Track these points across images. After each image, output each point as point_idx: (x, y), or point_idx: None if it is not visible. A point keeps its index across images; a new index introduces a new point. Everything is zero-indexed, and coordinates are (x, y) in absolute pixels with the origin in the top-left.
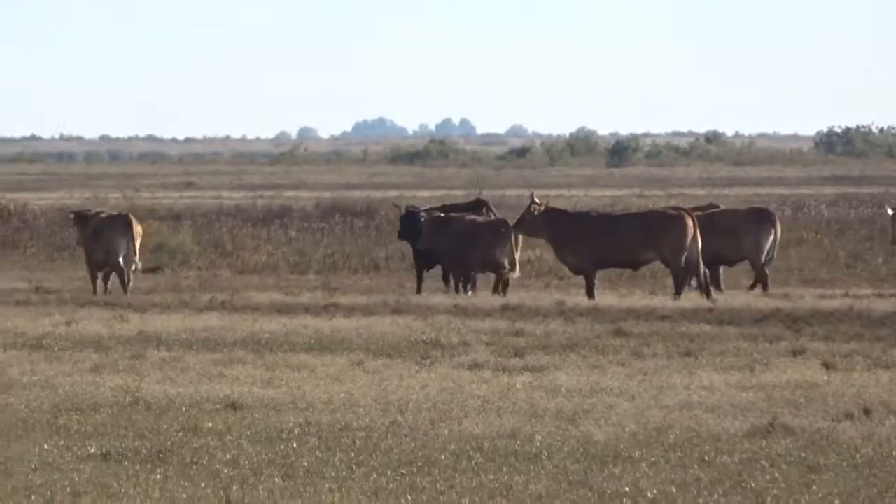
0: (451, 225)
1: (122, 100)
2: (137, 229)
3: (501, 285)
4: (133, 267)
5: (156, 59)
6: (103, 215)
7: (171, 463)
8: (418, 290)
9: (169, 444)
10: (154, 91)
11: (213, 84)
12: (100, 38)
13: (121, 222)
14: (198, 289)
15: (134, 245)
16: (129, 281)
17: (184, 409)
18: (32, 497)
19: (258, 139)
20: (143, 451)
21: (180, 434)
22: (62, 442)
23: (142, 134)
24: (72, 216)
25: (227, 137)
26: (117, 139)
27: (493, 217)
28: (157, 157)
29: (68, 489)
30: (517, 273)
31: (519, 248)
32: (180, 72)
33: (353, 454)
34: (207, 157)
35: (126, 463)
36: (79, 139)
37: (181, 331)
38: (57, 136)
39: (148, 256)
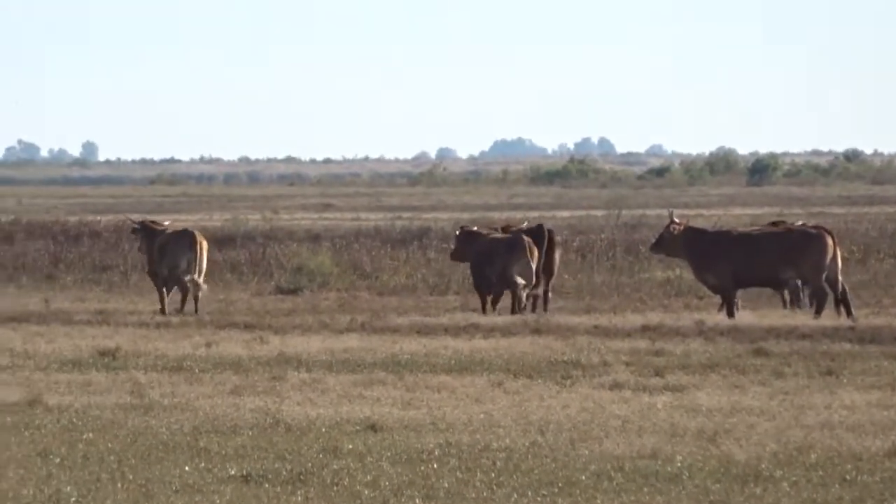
0: (476, 242)
1: (261, 122)
2: (203, 245)
3: (518, 302)
4: (198, 285)
5: (294, 81)
6: (169, 231)
7: (312, 485)
8: (483, 310)
9: (309, 465)
10: (292, 113)
11: (351, 105)
12: (239, 58)
13: (186, 239)
14: (337, 310)
15: (199, 262)
16: (195, 297)
17: (324, 430)
18: None
19: (396, 160)
20: (284, 472)
21: (320, 456)
22: (203, 464)
23: (280, 156)
24: (136, 226)
25: (366, 158)
26: (256, 161)
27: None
28: (296, 179)
29: None
30: (538, 289)
31: (535, 261)
32: (318, 93)
33: (493, 475)
34: (346, 178)
35: (266, 485)
36: (218, 161)
37: (321, 352)
38: (196, 157)
39: (288, 278)
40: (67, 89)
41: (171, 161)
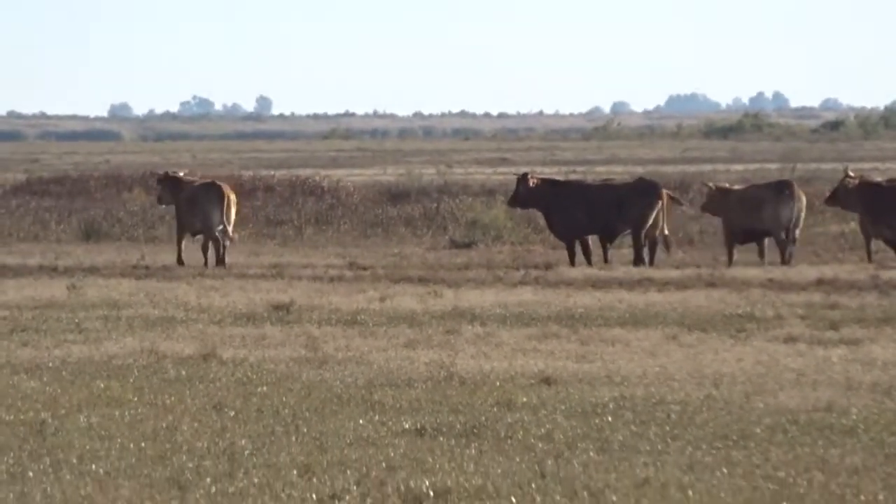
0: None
1: (435, 77)
2: (231, 198)
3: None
4: (226, 237)
5: (469, 36)
6: (197, 183)
7: (486, 438)
8: (729, 263)
9: (483, 419)
10: (467, 68)
11: (525, 59)
12: (413, 13)
13: (215, 191)
14: (511, 264)
15: (228, 215)
16: (222, 249)
17: (498, 383)
18: (348, 472)
19: (571, 115)
20: (458, 426)
21: (494, 409)
22: (377, 417)
23: (455, 110)
24: (159, 177)
25: (540, 113)
26: (430, 116)
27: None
28: (471, 134)
29: (383, 464)
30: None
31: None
32: (492, 48)
33: (667, 428)
34: (520, 133)
35: (441, 438)
36: (392, 116)
37: (495, 306)
38: (371, 112)
39: (462, 232)
40: (242, 44)
41: (346, 115)
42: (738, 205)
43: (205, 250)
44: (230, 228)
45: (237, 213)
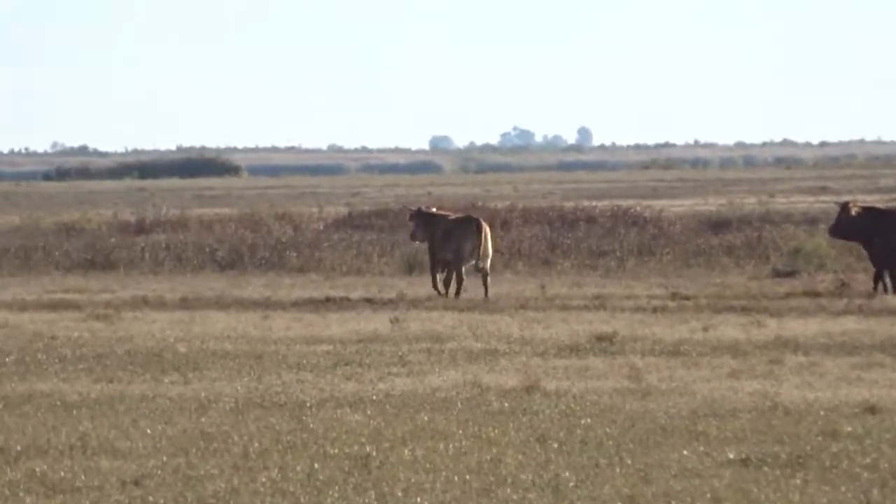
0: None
1: (754, 105)
2: (487, 232)
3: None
4: (484, 269)
5: (787, 64)
6: (451, 217)
7: (811, 468)
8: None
9: (808, 448)
10: (786, 95)
11: (847, 85)
12: (737, 41)
13: (472, 225)
14: (834, 292)
15: (483, 247)
16: (484, 282)
17: (822, 413)
18: (673, 503)
19: (893, 141)
20: (783, 456)
21: (819, 438)
22: (701, 448)
23: (777, 139)
24: (412, 212)
25: (862, 141)
26: (751, 145)
27: None
28: (792, 162)
29: (708, 495)
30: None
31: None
32: (811, 75)
33: None
34: (842, 160)
35: (765, 468)
36: (713, 146)
37: (819, 335)
38: (691, 142)
39: (784, 261)
40: (562, 74)
41: (666, 145)
42: None
43: (447, 283)
44: (487, 262)
45: (493, 247)
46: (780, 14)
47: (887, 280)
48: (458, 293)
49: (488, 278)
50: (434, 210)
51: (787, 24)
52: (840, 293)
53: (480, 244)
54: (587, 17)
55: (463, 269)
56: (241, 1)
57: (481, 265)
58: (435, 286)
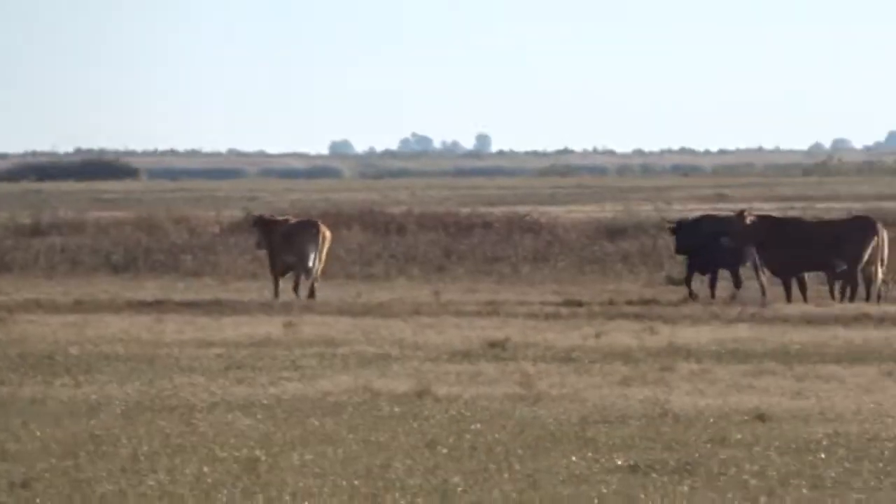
0: None
1: (654, 114)
2: (326, 235)
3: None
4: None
5: (687, 73)
6: (292, 221)
7: (699, 474)
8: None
9: (697, 455)
10: (685, 104)
11: (745, 96)
12: (636, 51)
13: (311, 228)
14: (727, 300)
15: (321, 251)
16: (312, 285)
17: (712, 420)
18: None
19: (791, 151)
20: (671, 462)
21: (708, 445)
22: (590, 454)
23: (674, 147)
24: (253, 220)
25: (760, 149)
26: (650, 153)
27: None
28: (690, 170)
29: (595, 501)
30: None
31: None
32: (712, 85)
33: (881, 465)
34: (740, 169)
35: (653, 475)
36: (611, 153)
37: (711, 342)
38: (590, 149)
39: (679, 268)
40: (460, 82)
41: (564, 152)
42: None
43: (296, 287)
44: (320, 266)
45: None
46: (676, 20)
47: (764, 279)
48: (312, 294)
49: (317, 283)
50: (276, 217)
51: (684, 31)
52: (733, 300)
53: (319, 247)
54: (487, 23)
55: (312, 270)
56: (140, 2)
57: (316, 267)
58: (276, 291)
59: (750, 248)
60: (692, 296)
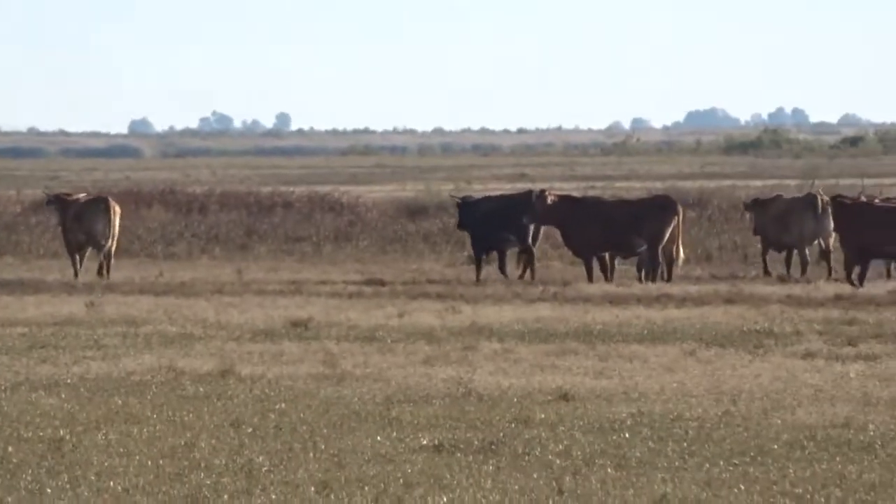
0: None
1: (454, 93)
2: (116, 210)
3: None
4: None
5: (485, 52)
6: (83, 199)
7: (503, 454)
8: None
9: (501, 435)
10: (485, 83)
11: (544, 75)
12: (429, 30)
13: (101, 205)
14: (529, 280)
15: (112, 227)
16: (107, 262)
17: (516, 400)
18: (366, 488)
19: (590, 130)
20: (476, 442)
21: (512, 425)
22: (394, 434)
23: (474, 127)
24: (49, 198)
25: (559, 129)
26: (450, 132)
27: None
28: (490, 150)
29: (401, 480)
30: None
31: None
32: (511, 63)
33: (685, 444)
34: (539, 148)
35: (458, 454)
36: (411, 132)
37: (513, 322)
38: (390, 128)
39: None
40: (261, 61)
41: (365, 132)
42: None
43: (100, 270)
44: (113, 243)
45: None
46: (479, 4)
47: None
48: (107, 271)
49: (112, 260)
50: (70, 195)
51: (487, 14)
52: (535, 280)
53: (111, 223)
54: (289, 3)
55: (105, 247)
56: None
57: (109, 244)
58: (76, 271)
59: (533, 228)
60: (478, 276)
